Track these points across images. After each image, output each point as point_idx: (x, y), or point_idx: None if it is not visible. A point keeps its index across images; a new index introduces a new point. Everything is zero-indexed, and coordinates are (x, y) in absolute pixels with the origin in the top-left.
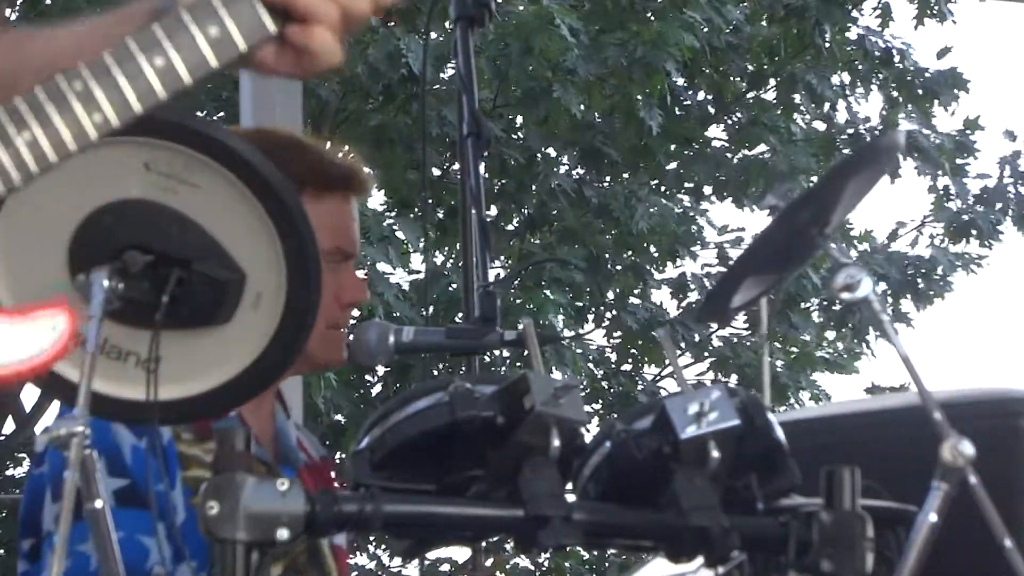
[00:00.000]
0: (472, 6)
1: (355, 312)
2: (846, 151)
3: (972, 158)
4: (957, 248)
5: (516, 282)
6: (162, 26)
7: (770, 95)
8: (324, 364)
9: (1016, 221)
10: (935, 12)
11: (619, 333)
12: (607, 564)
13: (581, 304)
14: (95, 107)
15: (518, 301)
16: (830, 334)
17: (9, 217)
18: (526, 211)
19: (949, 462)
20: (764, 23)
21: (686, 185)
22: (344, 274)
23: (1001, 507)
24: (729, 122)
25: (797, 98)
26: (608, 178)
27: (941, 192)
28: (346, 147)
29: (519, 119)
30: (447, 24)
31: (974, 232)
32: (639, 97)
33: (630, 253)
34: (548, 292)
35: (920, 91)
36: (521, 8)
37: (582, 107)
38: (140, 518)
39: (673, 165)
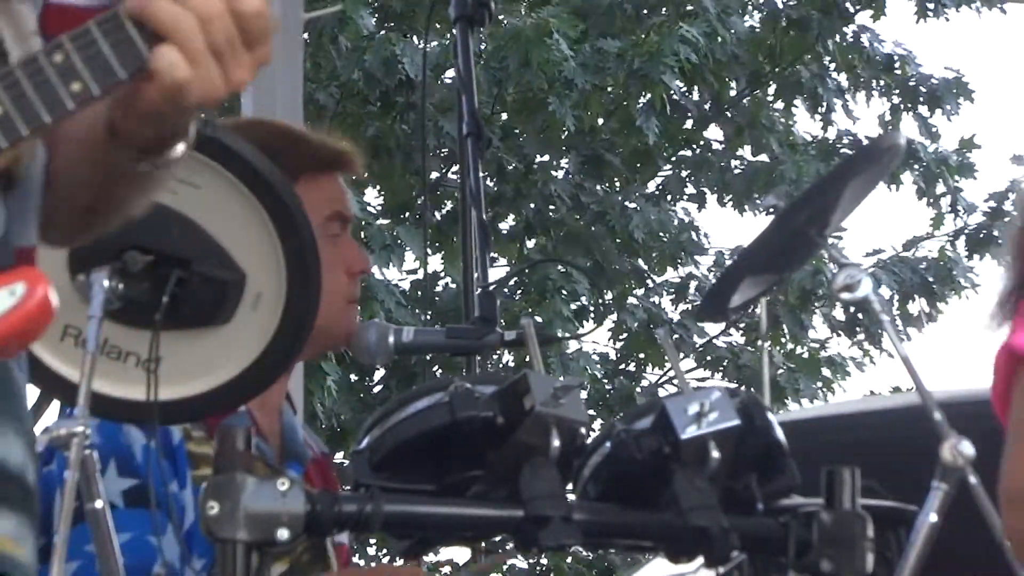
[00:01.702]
0: (472, 6)
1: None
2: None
3: (971, 178)
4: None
5: (520, 291)
6: None
7: (769, 98)
8: (339, 338)
9: None
10: (931, 11)
11: (622, 336)
12: (606, 564)
13: (582, 305)
14: (74, 76)
15: (521, 313)
16: (839, 344)
17: None
18: (524, 215)
19: (949, 462)
20: (763, 31)
21: (688, 190)
22: (345, 246)
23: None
24: (725, 124)
25: (797, 100)
26: (606, 183)
27: (948, 210)
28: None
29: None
30: (439, 25)
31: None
32: (638, 105)
33: (629, 258)
34: (556, 304)
35: (922, 99)
36: (516, 20)
37: (579, 117)
38: (150, 519)
39: (671, 170)
